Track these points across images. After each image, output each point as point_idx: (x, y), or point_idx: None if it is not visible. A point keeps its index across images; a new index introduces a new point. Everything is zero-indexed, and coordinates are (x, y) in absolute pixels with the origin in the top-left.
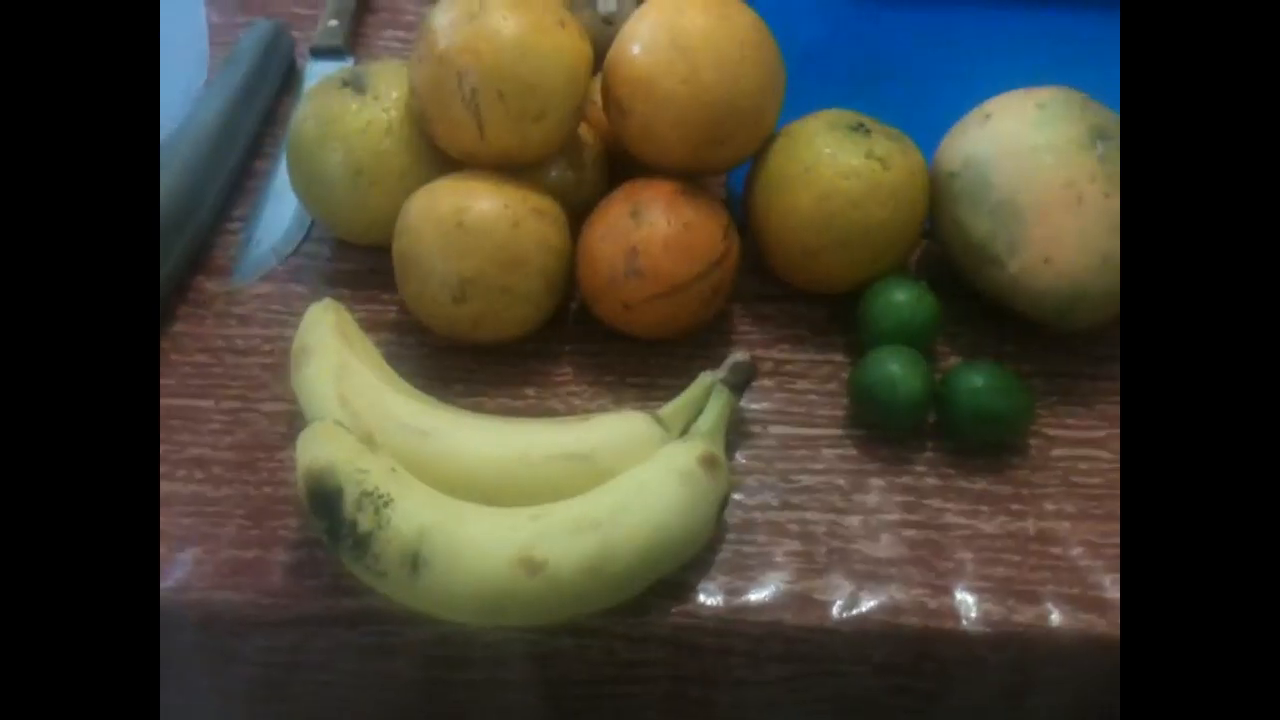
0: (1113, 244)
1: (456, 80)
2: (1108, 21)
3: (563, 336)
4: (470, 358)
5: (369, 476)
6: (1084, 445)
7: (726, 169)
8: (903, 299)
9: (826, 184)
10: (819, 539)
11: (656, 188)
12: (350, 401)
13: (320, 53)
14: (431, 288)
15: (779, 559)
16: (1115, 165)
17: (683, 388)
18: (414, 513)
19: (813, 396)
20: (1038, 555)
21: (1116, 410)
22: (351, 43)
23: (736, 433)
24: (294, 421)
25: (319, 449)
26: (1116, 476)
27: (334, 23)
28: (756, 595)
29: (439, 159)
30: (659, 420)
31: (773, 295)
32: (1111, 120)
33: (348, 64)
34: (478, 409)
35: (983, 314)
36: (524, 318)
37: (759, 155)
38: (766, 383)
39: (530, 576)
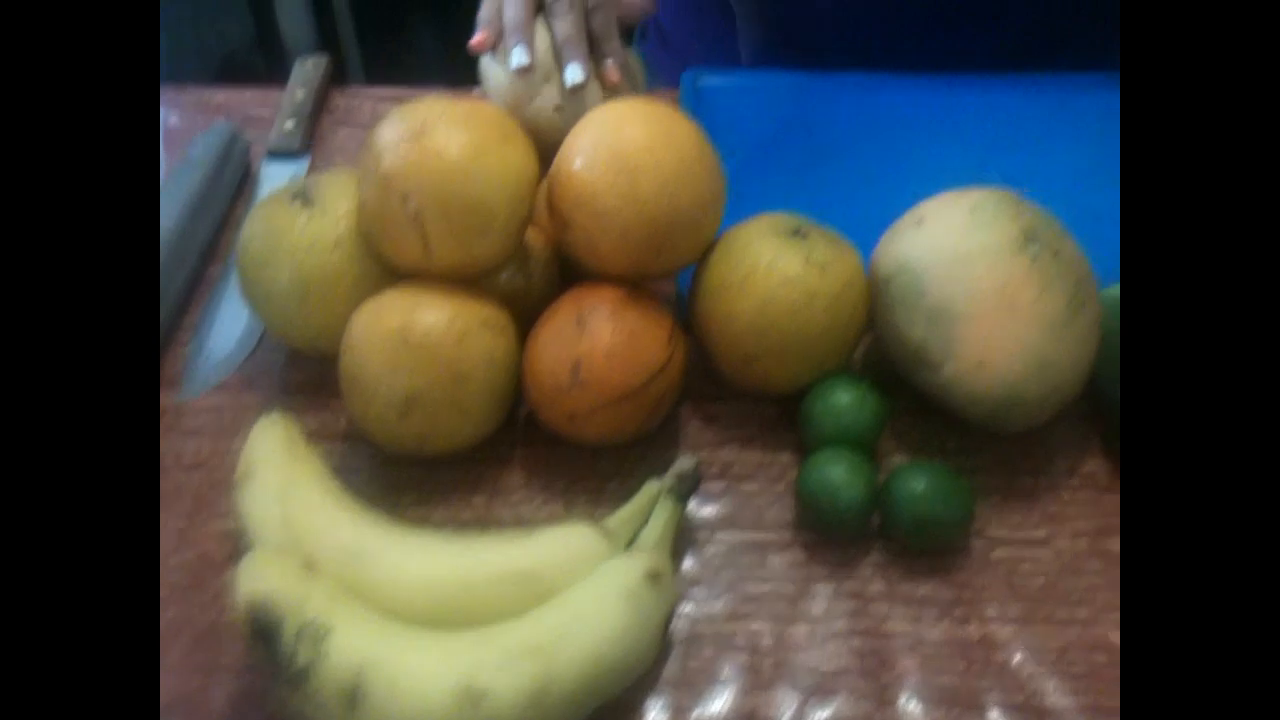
0: (1046, 347)
1: (401, 200)
2: (1056, 100)
3: (513, 440)
4: (420, 467)
5: (308, 606)
6: (1026, 545)
7: (669, 275)
8: (845, 401)
9: (765, 292)
10: (766, 651)
11: (600, 295)
12: (294, 522)
13: (276, 155)
14: (377, 405)
15: (726, 674)
16: (1047, 267)
17: (633, 491)
18: (353, 644)
19: (761, 499)
20: (981, 663)
21: (1057, 509)
22: (308, 143)
23: (685, 540)
24: (242, 540)
25: (259, 578)
26: (1057, 577)
27: (290, 124)
28: (703, 712)
29: (387, 271)
30: (605, 531)
31: (722, 394)
32: (1043, 221)
33: (304, 164)
34: (427, 520)
35: (928, 409)
36: (471, 430)
37: (701, 261)
38: (715, 485)
39: (471, 708)
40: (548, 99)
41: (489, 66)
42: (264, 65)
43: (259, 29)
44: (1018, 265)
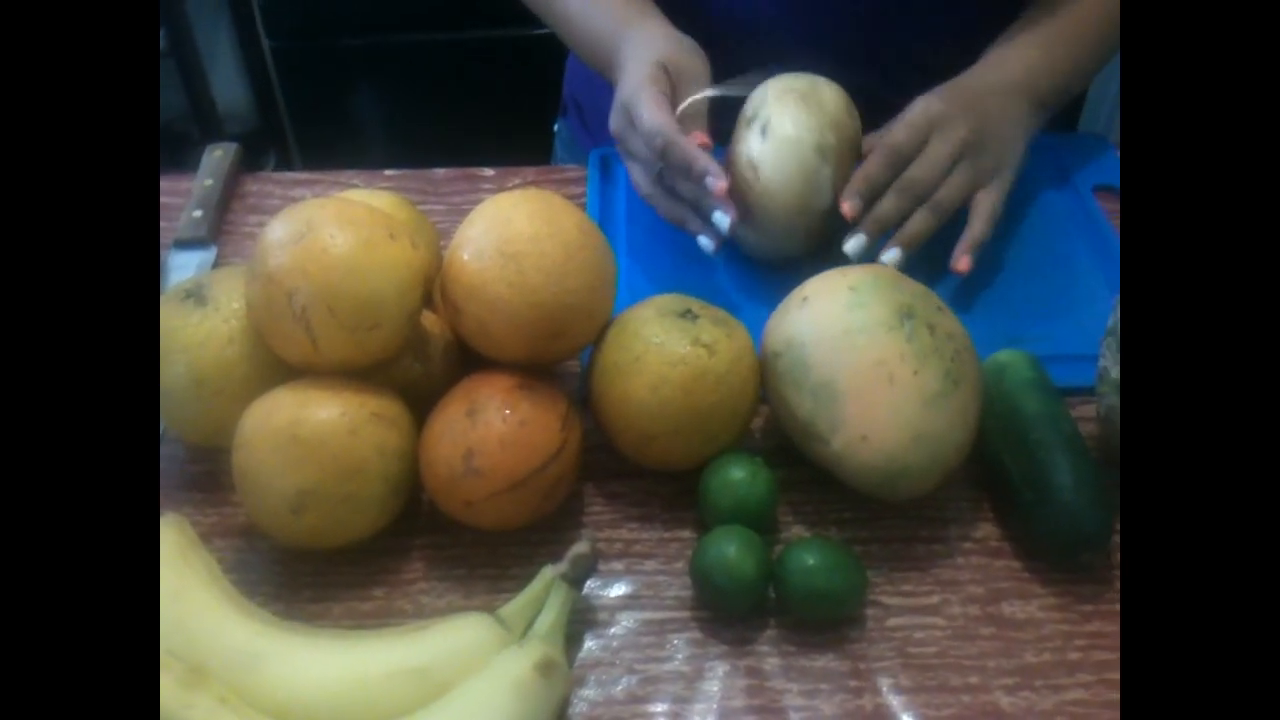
0: (923, 420)
1: (287, 298)
2: None
3: (414, 530)
4: (319, 560)
5: (194, 713)
6: (919, 613)
7: (564, 360)
8: (739, 477)
9: (656, 373)
10: None
11: (492, 385)
12: (185, 626)
13: (183, 244)
14: (270, 502)
15: None
16: (923, 343)
17: (534, 575)
18: None
19: (661, 577)
20: None
21: (949, 574)
22: (215, 233)
23: (584, 622)
24: None
25: None
26: (949, 644)
27: (198, 213)
28: None
29: (283, 365)
30: (500, 621)
31: (623, 472)
32: (919, 297)
33: (211, 253)
34: (326, 615)
35: (823, 480)
36: (368, 523)
37: (597, 343)
38: (617, 565)
39: None
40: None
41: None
42: (199, 134)
43: (192, 99)
44: (894, 342)
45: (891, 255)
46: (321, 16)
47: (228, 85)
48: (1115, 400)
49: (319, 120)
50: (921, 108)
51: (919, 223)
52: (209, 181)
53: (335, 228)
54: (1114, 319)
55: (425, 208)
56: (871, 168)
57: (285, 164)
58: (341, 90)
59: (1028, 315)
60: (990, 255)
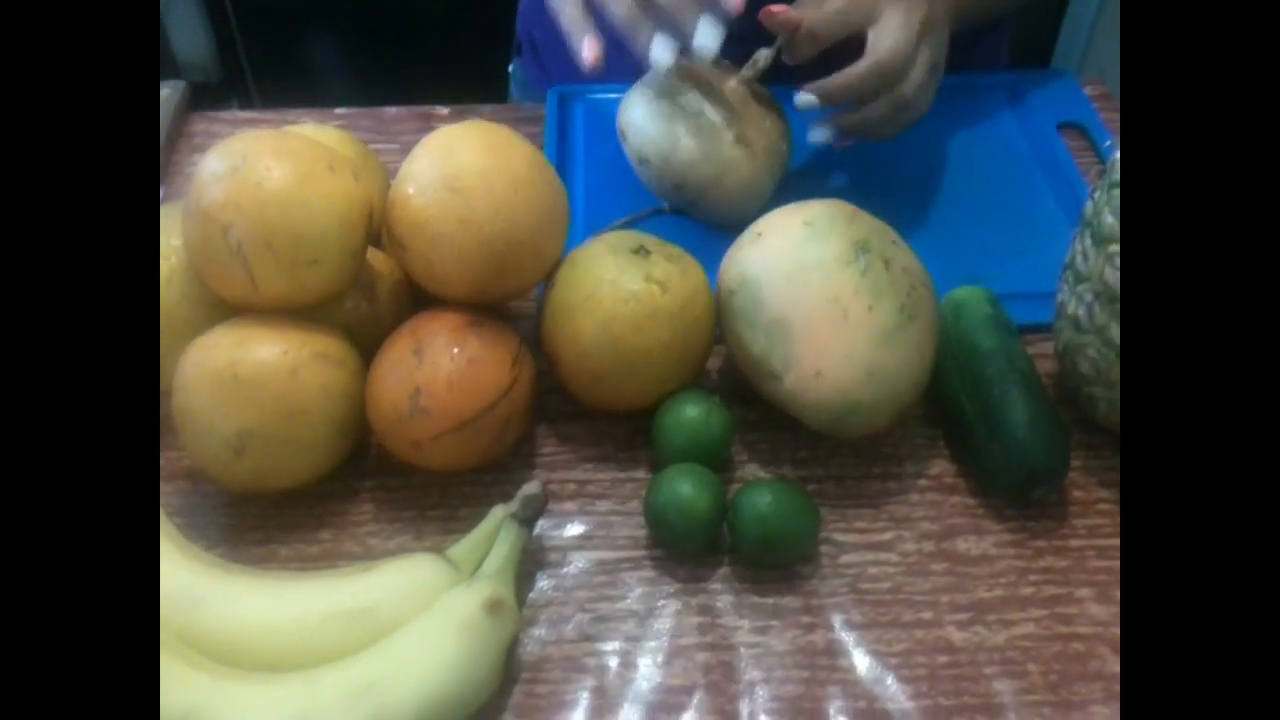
0: (876, 356)
1: (222, 234)
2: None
3: (362, 472)
4: (265, 504)
5: None
6: (872, 549)
7: (514, 298)
8: (693, 414)
9: (607, 310)
10: (613, 672)
11: (441, 321)
12: None
13: None
14: (211, 444)
15: (570, 697)
16: (877, 278)
17: (485, 517)
18: (180, 692)
19: (615, 518)
20: (826, 669)
21: (903, 510)
22: (161, 172)
23: (537, 562)
24: None
25: None
26: (902, 580)
27: None
28: None
29: (223, 305)
30: (449, 561)
31: (576, 413)
32: (875, 232)
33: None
34: (272, 558)
35: (778, 420)
36: (313, 465)
37: (547, 282)
38: (570, 506)
39: None
40: (724, 137)
41: (652, 128)
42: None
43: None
44: (848, 277)
45: (823, 131)
46: None
47: (187, 34)
48: (1072, 335)
49: (281, 68)
50: (894, 39)
51: (875, 111)
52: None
53: (271, 160)
54: (1071, 252)
55: (377, 147)
56: (851, 79)
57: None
58: (303, 37)
59: (987, 252)
60: (950, 191)
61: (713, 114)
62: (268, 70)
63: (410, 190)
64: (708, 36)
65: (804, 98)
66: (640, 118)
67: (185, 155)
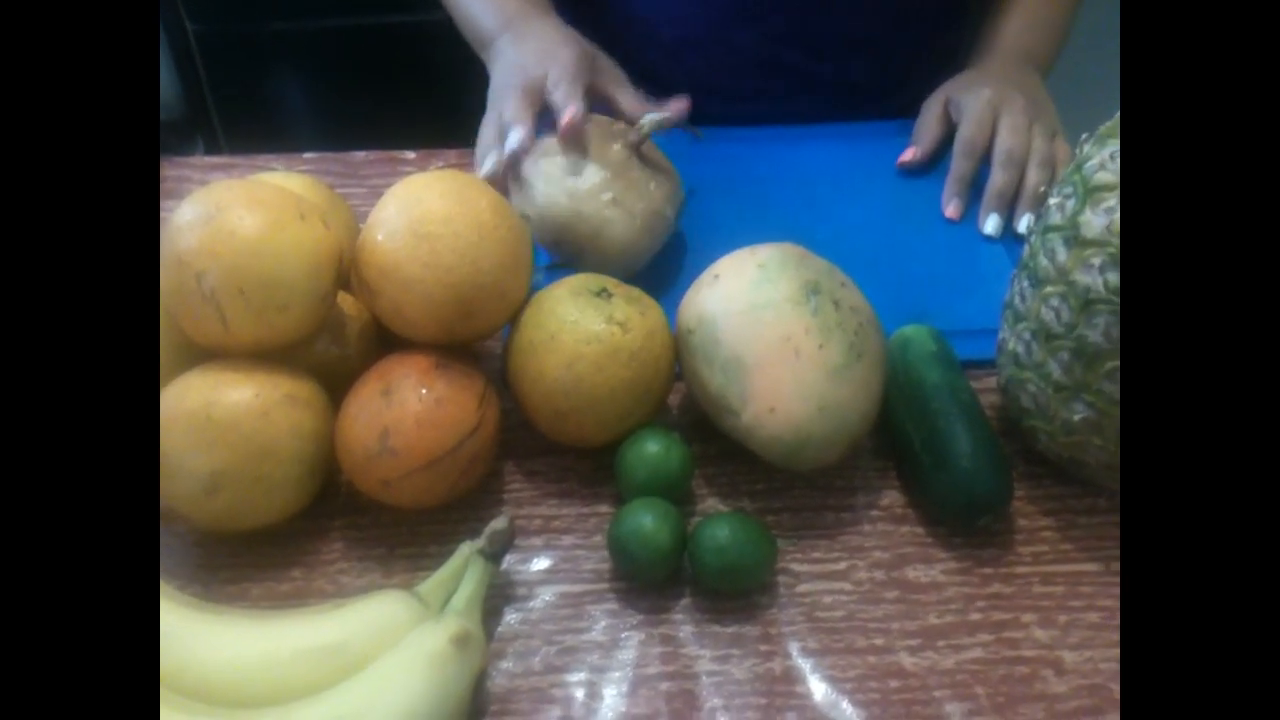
0: (827, 391)
1: (196, 280)
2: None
3: (332, 510)
4: (236, 542)
5: None
6: (827, 578)
7: (480, 339)
8: (654, 450)
9: (570, 350)
10: (579, 702)
11: (409, 364)
12: None
13: None
14: (184, 484)
15: None
16: (827, 317)
17: (453, 553)
18: None
19: (580, 551)
20: (784, 695)
21: (856, 540)
22: None
23: (504, 597)
24: None
25: None
26: (855, 608)
27: None
28: None
29: (196, 348)
30: (418, 597)
31: (542, 449)
32: (825, 273)
33: None
34: (244, 596)
35: (736, 453)
36: (283, 504)
37: (513, 322)
38: (535, 541)
39: None
40: (600, 198)
41: (533, 187)
42: None
43: None
44: (799, 316)
45: (1026, 220)
46: (245, 1)
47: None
48: (1013, 370)
49: (246, 106)
50: (977, 100)
51: (1038, 180)
52: None
53: (244, 209)
54: (1010, 293)
55: (345, 190)
56: (959, 169)
57: (214, 150)
58: (268, 75)
59: (932, 291)
60: (896, 231)
61: (592, 175)
62: (233, 109)
63: (379, 237)
64: (515, 139)
65: (951, 209)
66: (526, 176)
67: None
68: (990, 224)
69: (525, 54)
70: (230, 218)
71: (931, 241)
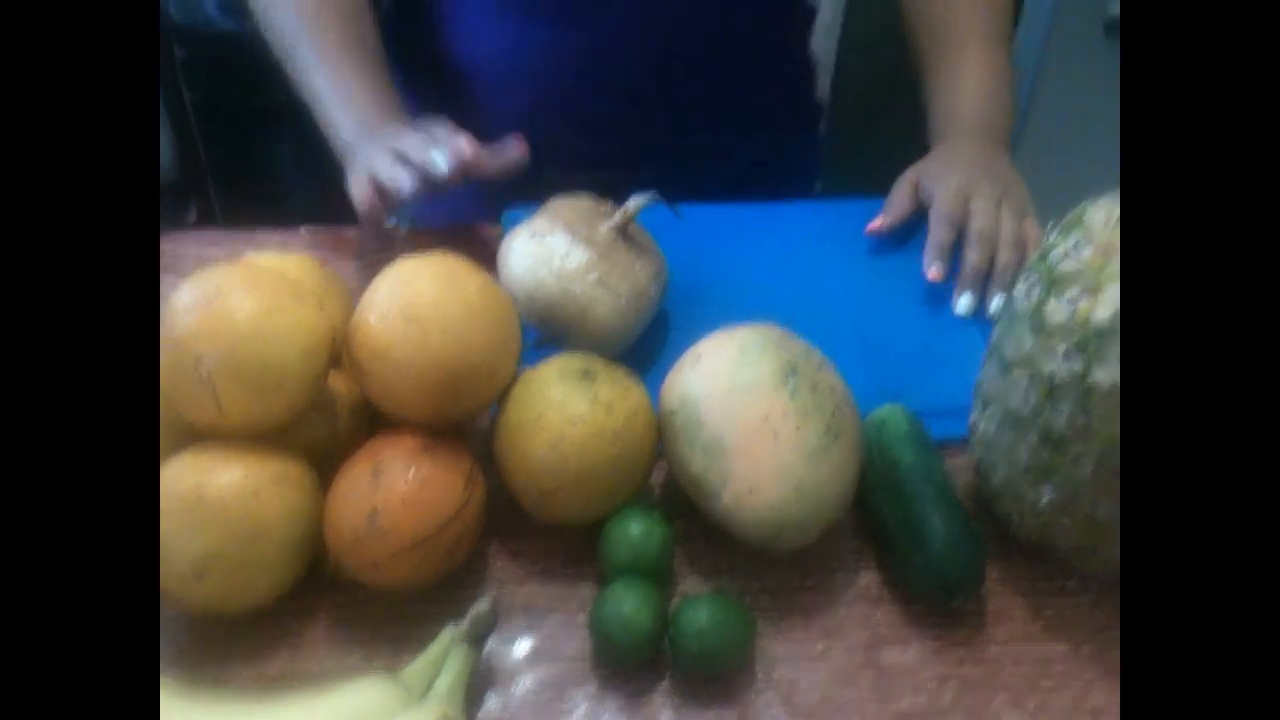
0: (806, 473)
1: (194, 363)
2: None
3: (318, 589)
4: (222, 624)
5: None
6: (805, 662)
7: (469, 418)
8: (636, 531)
9: (555, 431)
10: None
11: (398, 445)
12: None
13: None
14: (173, 566)
15: None
16: (804, 400)
17: (436, 635)
18: None
19: (562, 633)
20: None
21: (833, 622)
22: None
23: (486, 680)
24: None
25: None
26: (831, 690)
27: None
28: None
29: (186, 427)
30: (401, 682)
31: (527, 527)
32: (802, 355)
33: None
34: (230, 679)
35: (717, 533)
36: (272, 585)
37: (500, 401)
38: (519, 621)
39: None
40: (586, 278)
41: (521, 268)
42: None
43: None
44: (778, 399)
45: (998, 301)
46: (242, 69)
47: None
48: (984, 452)
49: (241, 169)
50: (946, 186)
51: (1007, 260)
52: None
53: (241, 293)
54: (980, 376)
55: (339, 266)
56: (939, 236)
57: (208, 216)
58: (264, 144)
59: (906, 368)
60: (870, 309)
61: (578, 256)
62: (227, 171)
63: (371, 319)
64: (441, 159)
65: (934, 271)
66: (512, 256)
67: None
68: (963, 304)
69: (388, 138)
70: (228, 302)
71: (905, 318)
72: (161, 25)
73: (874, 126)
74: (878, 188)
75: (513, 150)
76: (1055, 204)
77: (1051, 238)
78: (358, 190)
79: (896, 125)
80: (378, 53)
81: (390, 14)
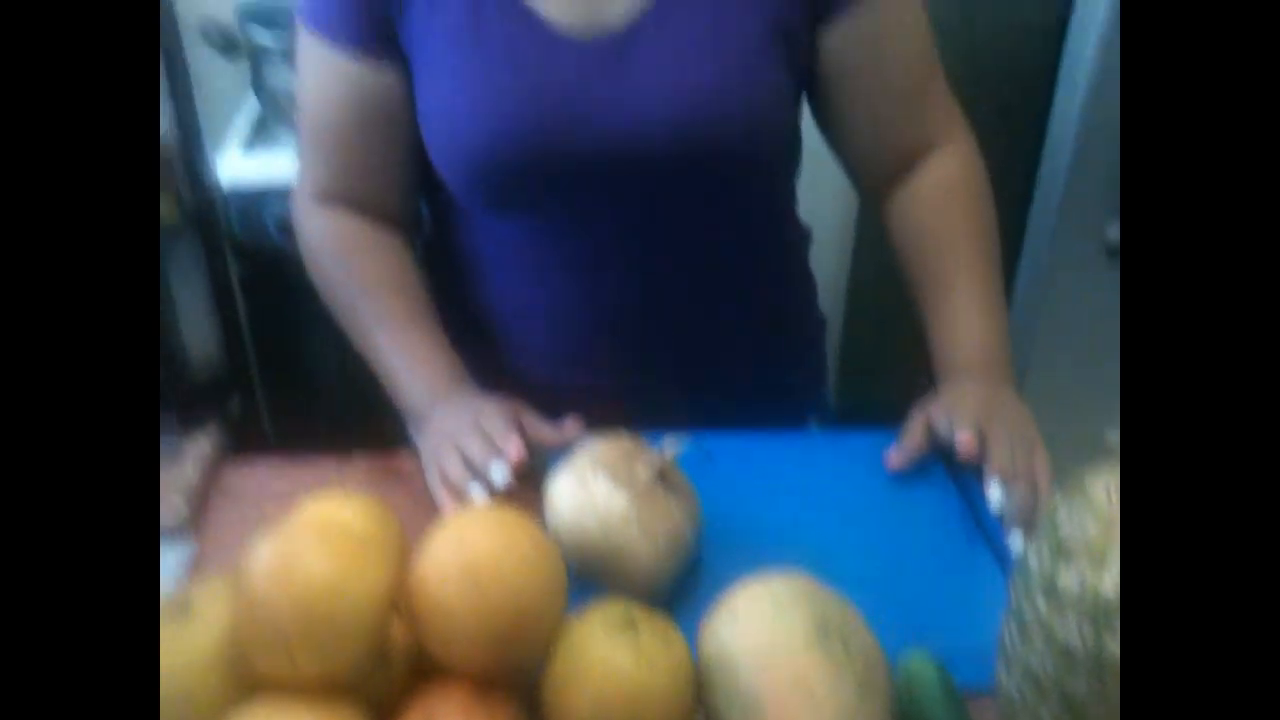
0: None
1: (271, 621)
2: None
3: None
4: None
5: None
6: None
7: (520, 668)
8: None
9: (599, 688)
10: None
11: (448, 698)
12: None
13: (165, 535)
14: None
15: None
16: (838, 658)
17: None
18: None
19: None
20: None
21: None
22: (196, 523)
23: None
24: None
25: None
26: None
27: (180, 504)
28: None
29: (256, 680)
30: None
31: None
32: (835, 610)
33: (189, 550)
34: None
35: None
36: None
37: (546, 653)
38: None
39: None
40: (626, 522)
41: (562, 510)
42: (168, 383)
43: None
44: (813, 658)
45: (1018, 538)
46: (295, 282)
47: (197, 330)
48: (1009, 710)
49: (287, 367)
50: (959, 429)
51: (1024, 498)
52: (191, 470)
53: (315, 556)
54: (1002, 634)
55: (394, 498)
56: (967, 439)
57: (250, 408)
58: (308, 345)
59: (930, 608)
60: (892, 549)
61: (620, 502)
62: (273, 366)
63: (430, 575)
64: (499, 474)
65: (992, 495)
66: (555, 497)
67: (218, 509)
68: (994, 495)
69: (461, 412)
70: (304, 565)
71: (926, 552)
72: (223, 240)
73: (885, 337)
74: (891, 398)
75: (569, 430)
76: (1064, 431)
77: (1056, 500)
78: (438, 495)
79: (908, 336)
80: (433, 315)
81: (421, 261)
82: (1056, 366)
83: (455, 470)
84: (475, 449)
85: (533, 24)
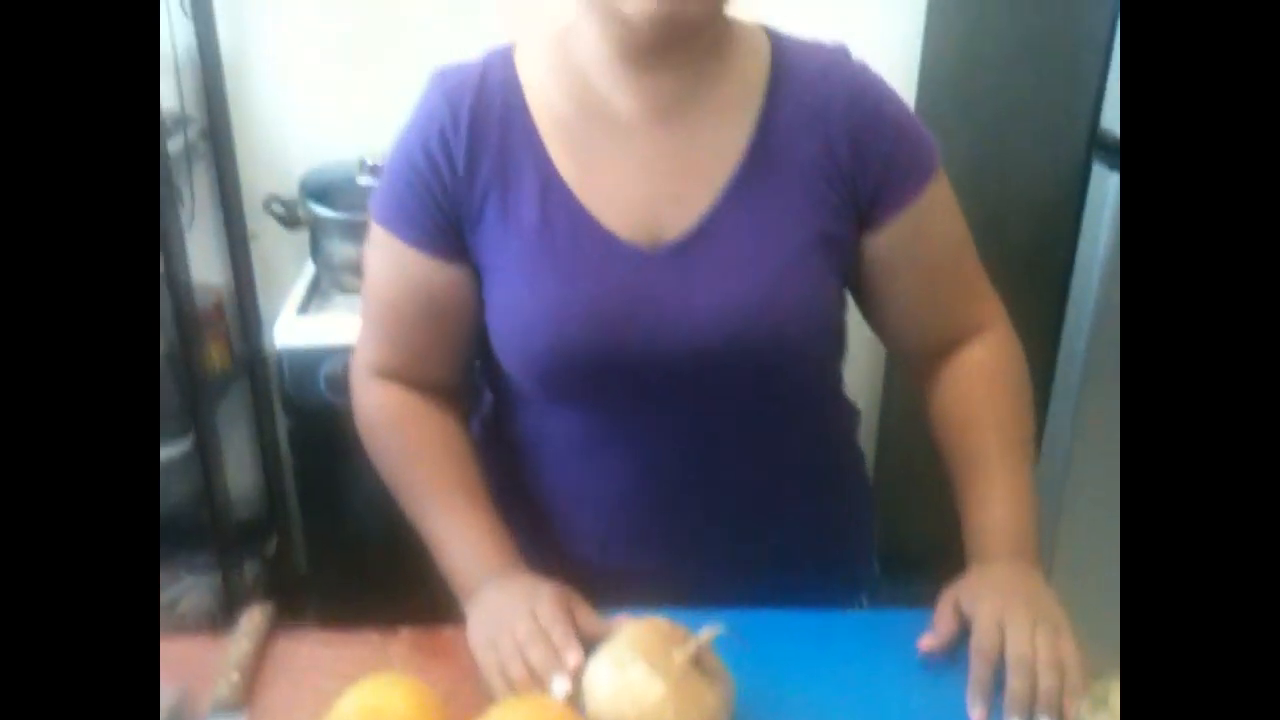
0: None
1: None
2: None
3: None
4: None
5: None
6: None
7: None
8: None
9: None
10: None
11: None
12: None
13: (218, 708)
14: None
15: None
16: None
17: None
18: None
19: None
20: None
21: None
22: (248, 695)
23: None
24: None
25: None
26: None
27: (235, 677)
28: None
29: None
30: None
31: None
32: None
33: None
34: None
35: None
36: None
37: None
38: None
39: None
40: (662, 710)
41: (600, 697)
42: (208, 520)
43: (206, 487)
44: None
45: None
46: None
47: (240, 472)
48: None
49: (325, 510)
50: (982, 614)
51: (1050, 685)
52: (245, 644)
53: None
54: None
55: (437, 671)
56: (979, 674)
57: (286, 550)
58: (349, 497)
59: None
60: None
61: (656, 690)
62: (314, 514)
63: None
64: (560, 688)
65: (976, 714)
66: (594, 683)
67: (270, 679)
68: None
69: (514, 598)
70: None
71: None
72: (272, 391)
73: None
74: (935, 569)
75: (618, 626)
76: (1091, 616)
77: (1082, 709)
78: (494, 684)
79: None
80: (486, 489)
81: (479, 442)
82: (1083, 554)
83: (517, 673)
84: (536, 656)
85: (599, 237)
